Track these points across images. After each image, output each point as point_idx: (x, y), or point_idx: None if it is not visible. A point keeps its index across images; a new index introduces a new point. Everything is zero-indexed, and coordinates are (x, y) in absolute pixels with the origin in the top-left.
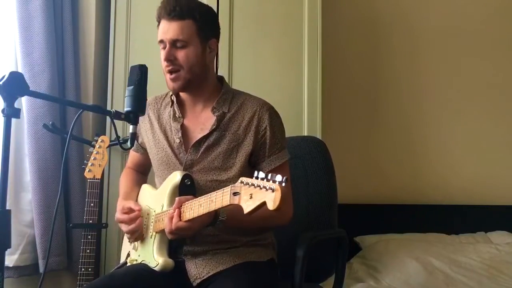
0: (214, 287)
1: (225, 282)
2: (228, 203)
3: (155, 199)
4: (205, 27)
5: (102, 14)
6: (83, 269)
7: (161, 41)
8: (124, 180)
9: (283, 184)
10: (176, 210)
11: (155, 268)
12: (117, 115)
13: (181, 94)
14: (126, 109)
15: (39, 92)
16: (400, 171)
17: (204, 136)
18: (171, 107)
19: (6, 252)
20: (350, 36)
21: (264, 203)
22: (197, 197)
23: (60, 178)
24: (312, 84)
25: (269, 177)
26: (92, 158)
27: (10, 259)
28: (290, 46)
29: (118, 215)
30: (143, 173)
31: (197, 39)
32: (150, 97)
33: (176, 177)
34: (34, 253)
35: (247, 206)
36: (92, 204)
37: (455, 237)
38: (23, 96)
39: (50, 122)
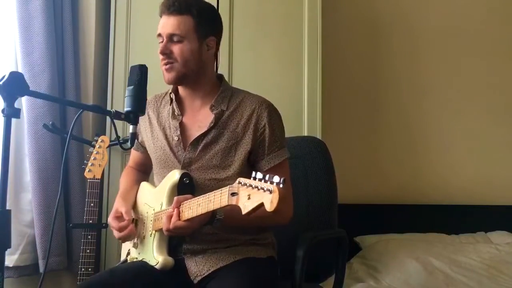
0: (215, 283)
1: (226, 278)
2: (226, 204)
3: (154, 197)
4: (203, 23)
5: (102, 14)
6: (83, 269)
7: (159, 35)
8: (124, 179)
9: (281, 185)
10: (175, 209)
11: (156, 267)
12: (117, 115)
13: (180, 91)
14: (126, 109)
15: (39, 92)
16: (400, 171)
17: (202, 134)
18: (170, 105)
19: (6, 252)
20: (350, 36)
21: (262, 204)
22: (196, 197)
23: (60, 178)
24: (312, 84)
25: (266, 177)
26: (92, 158)
27: (10, 259)
28: (290, 46)
29: (110, 219)
30: (144, 172)
31: (194, 35)
32: (150, 96)
33: (175, 175)
34: (34, 253)
35: (245, 207)
36: (92, 204)
37: (455, 237)
38: (23, 96)
39: (50, 122)
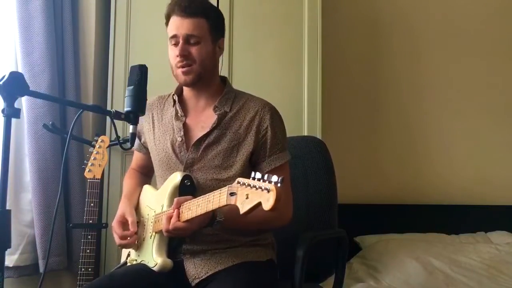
0: (213, 287)
1: (224, 282)
2: (225, 203)
3: (156, 199)
4: (216, 26)
5: (102, 14)
6: (83, 269)
7: (174, 36)
8: (127, 181)
9: (279, 185)
10: (175, 210)
11: (154, 268)
12: (117, 115)
13: (184, 93)
14: (126, 109)
15: (39, 92)
16: (400, 171)
17: (204, 134)
18: (173, 106)
19: (6, 252)
20: (350, 36)
21: (259, 204)
22: (195, 198)
23: (60, 178)
24: (312, 84)
25: (265, 177)
26: (92, 158)
27: (10, 259)
28: (290, 46)
29: (115, 224)
30: (146, 175)
31: (209, 37)
32: (153, 97)
33: (176, 177)
34: (34, 253)
35: (243, 206)
36: (92, 204)
37: (455, 237)
38: (23, 96)
39: (50, 122)
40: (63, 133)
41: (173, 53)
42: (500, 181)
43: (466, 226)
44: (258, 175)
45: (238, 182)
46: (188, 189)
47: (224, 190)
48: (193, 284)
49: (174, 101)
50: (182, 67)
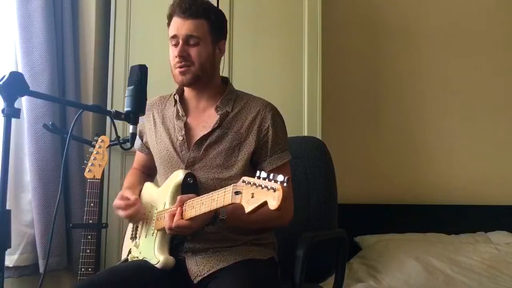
0: (215, 284)
1: (226, 279)
2: (230, 202)
3: (158, 197)
4: (216, 28)
5: (102, 14)
6: (83, 269)
7: (174, 37)
8: (128, 178)
9: (285, 184)
10: (178, 208)
11: (156, 266)
12: (117, 115)
13: (185, 93)
14: (126, 109)
15: (39, 92)
16: (400, 171)
17: (206, 133)
18: (174, 106)
19: (6, 252)
20: (350, 36)
21: (265, 203)
22: (199, 196)
23: (60, 178)
24: (312, 84)
25: (271, 177)
26: (92, 158)
27: (10, 259)
28: (290, 46)
29: (115, 201)
30: (148, 174)
31: (209, 38)
32: (155, 97)
33: (178, 175)
34: (34, 253)
35: (248, 205)
36: (92, 204)
37: (455, 237)
38: (23, 96)
39: (50, 122)
40: (63, 133)
41: (172, 54)
42: (500, 181)
43: (466, 226)
44: (264, 174)
45: (244, 181)
46: (190, 187)
47: (229, 189)
48: (195, 281)
49: (175, 101)
50: (181, 67)
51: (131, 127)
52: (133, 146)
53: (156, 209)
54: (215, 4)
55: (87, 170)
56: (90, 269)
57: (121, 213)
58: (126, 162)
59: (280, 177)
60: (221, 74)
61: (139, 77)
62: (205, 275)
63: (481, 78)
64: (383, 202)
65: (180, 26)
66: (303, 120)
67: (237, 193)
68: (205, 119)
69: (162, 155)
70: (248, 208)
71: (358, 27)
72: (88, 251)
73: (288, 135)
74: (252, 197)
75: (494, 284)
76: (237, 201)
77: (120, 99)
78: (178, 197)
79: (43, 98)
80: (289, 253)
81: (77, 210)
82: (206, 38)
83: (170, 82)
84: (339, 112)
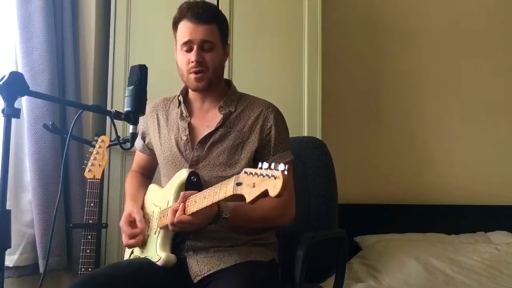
0: (215, 285)
1: (226, 280)
2: (232, 193)
3: (161, 196)
4: (224, 32)
5: (102, 14)
6: (83, 269)
7: (189, 42)
8: (129, 182)
9: (286, 172)
10: (181, 204)
11: (157, 263)
12: (117, 115)
13: (190, 94)
14: (126, 109)
15: (39, 92)
16: (400, 171)
17: (210, 132)
18: (178, 107)
19: (6, 252)
20: (350, 36)
21: (266, 191)
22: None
23: (60, 178)
24: (312, 84)
25: (272, 166)
26: (92, 158)
27: (10, 259)
28: (290, 46)
29: (123, 223)
30: (147, 176)
31: (219, 43)
32: (159, 99)
33: (183, 174)
34: (34, 253)
35: (250, 195)
36: (92, 204)
37: (455, 237)
38: (23, 96)
39: (50, 122)
40: (63, 133)
41: (185, 59)
42: (500, 181)
43: (466, 226)
44: (265, 164)
45: (245, 172)
46: (194, 185)
47: (231, 180)
48: (195, 281)
49: (180, 102)
50: (195, 73)
51: (131, 127)
52: (133, 146)
53: (159, 208)
54: (215, 4)
55: (87, 170)
56: (90, 269)
57: (124, 239)
58: (126, 162)
59: (281, 166)
60: (227, 78)
61: (139, 77)
62: (205, 275)
63: (481, 78)
64: (383, 202)
65: (193, 31)
66: (303, 120)
67: (238, 184)
68: (208, 119)
69: (166, 155)
70: (249, 198)
71: (358, 27)
72: (88, 251)
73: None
74: (254, 186)
75: (494, 284)
76: (239, 192)
77: (120, 99)
78: (181, 193)
79: (43, 98)
80: (289, 253)
81: (77, 210)
82: (218, 43)
83: (170, 82)
84: (339, 112)
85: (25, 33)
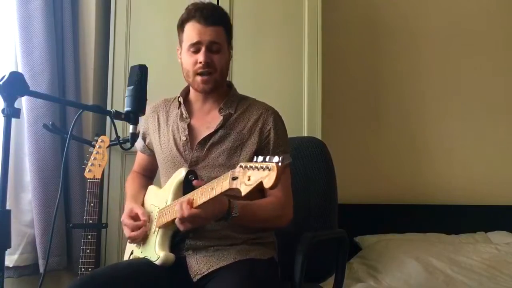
0: (214, 283)
1: (225, 279)
2: (228, 188)
3: (160, 196)
4: (230, 34)
5: (102, 14)
6: (83, 269)
7: (197, 43)
8: (130, 184)
9: (280, 164)
10: (187, 198)
11: (156, 262)
12: (117, 115)
13: (191, 95)
14: (126, 109)
15: (39, 92)
16: (400, 171)
17: (210, 133)
18: (178, 108)
19: (6, 252)
20: (350, 36)
21: (260, 184)
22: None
23: (60, 178)
24: (312, 84)
25: (267, 159)
26: (92, 158)
27: (10, 259)
28: (290, 46)
29: (125, 217)
30: (149, 177)
31: (226, 45)
32: (159, 100)
33: (181, 173)
34: (34, 253)
35: (246, 188)
36: (92, 204)
37: (455, 237)
38: (23, 96)
39: (50, 122)
40: (63, 133)
41: (192, 59)
42: (500, 181)
43: (466, 226)
44: (260, 158)
45: (241, 166)
46: (192, 184)
47: (227, 175)
48: (194, 280)
49: (180, 103)
50: (202, 74)
51: (131, 127)
52: (133, 146)
53: (158, 208)
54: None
55: (87, 170)
56: (90, 269)
57: (126, 231)
58: (126, 162)
59: (275, 158)
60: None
61: (139, 77)
62: (205, 273)
63: (481, 78)
64: (383, 202)
65: (202, 32)
66: (303, 120)
67: (234, 178)
68: (209, 120)
69: (165, 155)
70: (244, 191)
71: (358, 27)
72: (88, 251)
73: (288, 135)
74: (249, 179)
75: (494, 284)
76: (234, 186)
77: (120, 99)
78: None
79: (43, 98)
80: (289, 253)
81: (77, 210)
82: (224, 44)
83: (170, 82)
84: (339, 112)
85: (25, 33)
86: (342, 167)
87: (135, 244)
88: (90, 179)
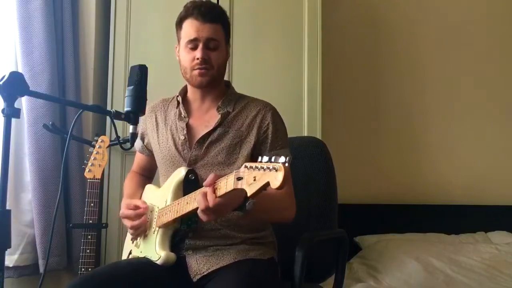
0: (214, 283)
1: (225, 279)
2: (232, 188)
3: (160, 196)
4: (228, 32)
5: (102, 14)
6: (83, 269)
7: (194, 39)
8: (128, 183)
9: (287, 164)
10: (211, 186)
11: (157, 262)
12: (117, 115)
13: (189, 94)
14: (126, 109)
15: (39, 92)
16: (400, 171)
17: (208, 132)
18: (176, 108)
19: (6, 252)
20: (350, 36)
21: (267, 184)
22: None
23: (60, 178)
24: (312, 83)
25: (272, 159)
26: (92, 158)
27: (10, 259)
28: (290, 46)
29: (123, 210)
30: (148, 177)
31: (224, 42)
32: (157, 100)
33: (180, 172)
34: (34, 253)
35: (251, 189)
36: (92, 204)
37: (455, 237)
38: (23, 96)
39: (50, 122)
40: (63, 133)
41: (189, 56)
42: (500, 181)
43: (466, 226)
44: (265, 158)
45: (245, 166)
46: (192, 183)
47: (231, 175)
48: (194, 280)
49: (178, 102)
50: (201, 69)
51: (131, 127)
52: (133, 146)
53: (158, 207)
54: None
55: (87, 170)
56: (90, 269)
57: (128, 223)
58: (126, 162)
59: (282, 159)
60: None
61: (139, 77)
62: (205, 273)
63: (482, 78)
64: (383, 202)
65: (200, 29)
66: (303, 120)
67: (239, 178)
68: (207, 119)
69: (164, 155)
70: (250, 191)
71: (358, 27)
72: (88, 251)
73: (288, 135)
74: (254, 180)
75: (494, 284)
76: (239, 186)
77: (120, 99)
78: (211, 175)
79: (43, 98)
80: (289, 253)
81: (77, 210)
82: (222, 42)
83: (170, 82)
84: (339, 112)
85: (25, 33)
86: (342, 167)
87: (134, 244)
88: (90, 179)
